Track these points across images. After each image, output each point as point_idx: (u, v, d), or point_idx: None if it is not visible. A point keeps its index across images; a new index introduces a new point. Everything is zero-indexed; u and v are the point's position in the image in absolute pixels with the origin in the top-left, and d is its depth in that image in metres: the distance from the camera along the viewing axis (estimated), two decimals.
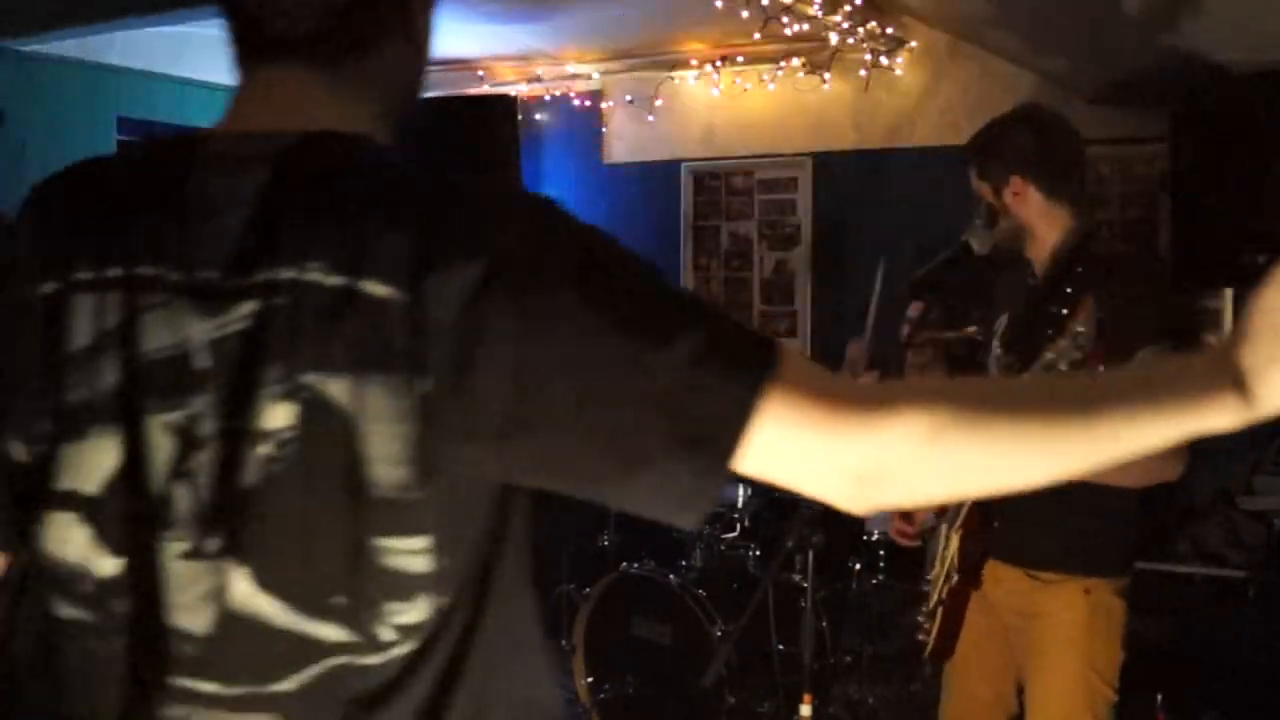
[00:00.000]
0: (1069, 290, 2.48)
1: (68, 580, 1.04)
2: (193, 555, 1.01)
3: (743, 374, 1.01)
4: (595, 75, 5.97)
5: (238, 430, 1.00)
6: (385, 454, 0.98)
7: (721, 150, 5.86)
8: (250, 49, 1.19)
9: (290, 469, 0.99)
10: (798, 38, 5.13)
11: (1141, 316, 2.36)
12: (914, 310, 4.26)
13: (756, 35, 5.04)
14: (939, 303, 3.16)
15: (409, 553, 1.00)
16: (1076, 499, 2.40)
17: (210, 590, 1.01)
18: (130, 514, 1.02)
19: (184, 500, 1.01)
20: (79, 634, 1.05)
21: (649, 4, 5.12)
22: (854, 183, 5.55)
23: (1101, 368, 2.16)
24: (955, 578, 2.52)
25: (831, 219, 5.63)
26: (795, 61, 5.45)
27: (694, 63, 5.68)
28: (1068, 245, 2.53)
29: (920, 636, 2.70)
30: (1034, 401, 1.01)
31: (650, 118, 5.91)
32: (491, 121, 5.92)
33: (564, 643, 4.40)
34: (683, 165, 5.95)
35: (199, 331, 1.02)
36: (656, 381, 0.98)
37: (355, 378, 0.97)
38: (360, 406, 0.97)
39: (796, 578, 3.94)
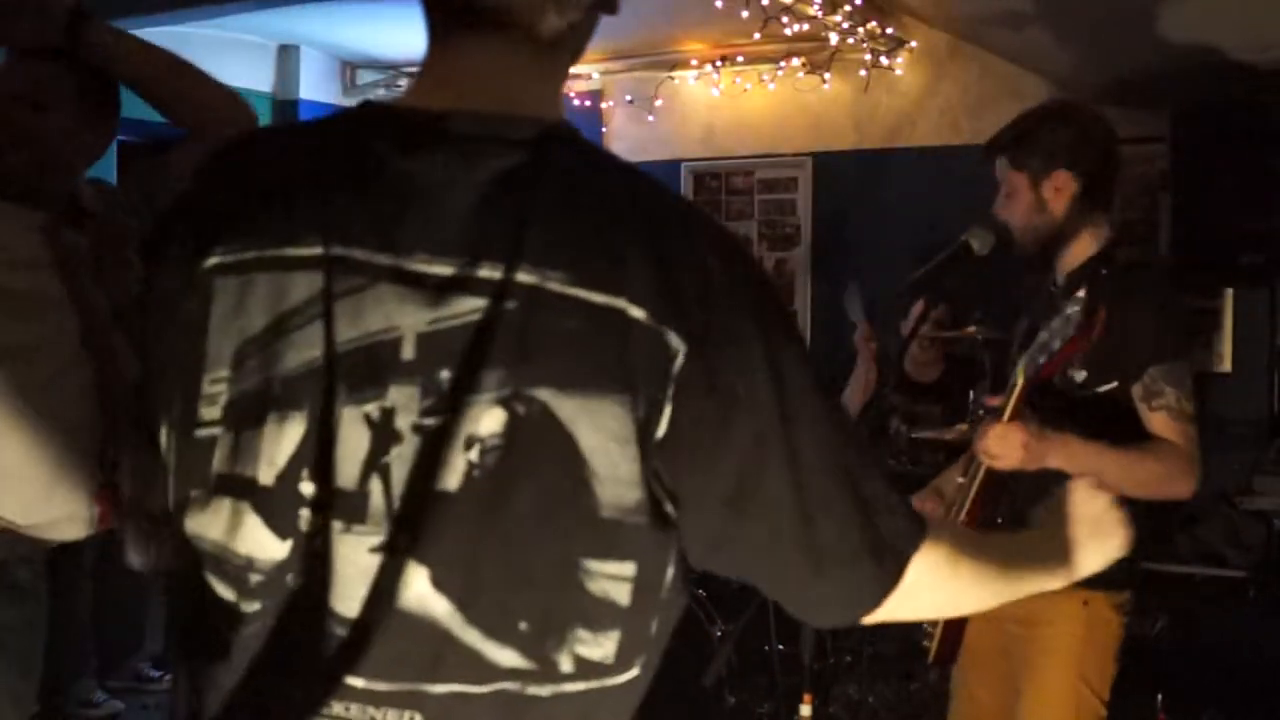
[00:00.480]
0: (1086, 300, 2.47)
1: (230, 566, 1.00)
2: (380, 550, 0.97)
3: (909, 504, 1.11)
4: (595, 75, 5.96)
5: (443, 430, 0.95)
6: (613, 474, 0.95)
7: (721, 150, 5.86)
8: (453, 16, 1.03)
9: (495, 477, 0.95)
10: (798, 38, 5.13)
11: (1153, 336, 2.37)
12: (916, 309, 4.28)
13: (756, 35, 5.04)
14: (939, 302, 3.17)
15: (617, 579, 0.98)
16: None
17: (385, 585, 0.97)
18: (312, 503, 0.97)
19: (377, 494, 0.96)
20: (238, 620, 1.01)
21: (649, 4, 5.12)
22: (854, 183, 5.55)
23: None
24: None
25: (831, 219, 5.63)
26: (795, 61, 5.45)
27: (694, 63, 5.68)
28: (1097, 253, 2.52)
29: (924, 642, 2.67)
30: (995, 553, 1.26)
31: (650, 118, 5.91)
32: None
33: None
34: (683, 165, 5.95)
35: (408, 322, 0.96)
36: (862, 493, 1.04)
37: (589, 396, 0.94)
38: (591, 425, 0.94)
39: None
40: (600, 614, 0.98)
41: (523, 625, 0.97)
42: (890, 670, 3.90)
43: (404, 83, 6.49)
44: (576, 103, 6.07)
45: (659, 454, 0.96)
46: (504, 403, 0.94)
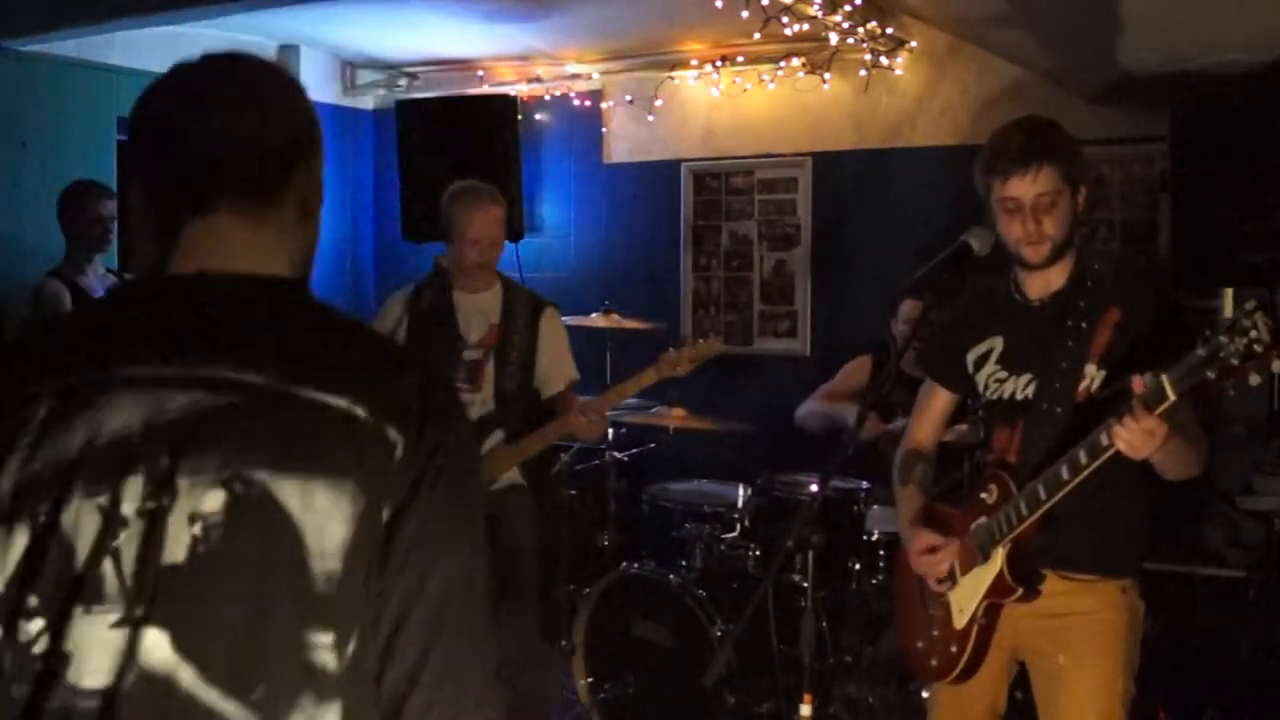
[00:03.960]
0: (1084, 304, 2.48)
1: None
2: (120, 624, 1.08)
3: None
4: (595, 75, 5.96)
5: (164, 510, 1.08)
6: (321, 548, 1.08)
7: (721, 150, 5.86)
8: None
9: (219, 550, 1.07)
10: (798, 38, 5.13)
11: (1163, 329, 2.41)
12: (911, 310, 4.28)
13: (756, 35, 5.04)
14: (938, 302, 3.16)
15: (327, 648, 1.09)
16: (1115, 504, 2.43)
17: (130, 653, 1.08)
18: (51, 594, 1.09)
19: (110, 574, 1.08)
20: (9, 705, 1.10)
21: (649, 4, 5.12)
22: (854, 183, 5.54)
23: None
24: (1001, 593, 2.50)
25: (831, 219, 5.63)
26: (795, 61, 5.45)
27: (694, 63, 5.68)
28: (1079, 265, 2.55)
29: (933, 661, 2.66)
30: None
31: (650, 118, 5.91)
32: (491, 121, 5.91)
33: (564, 643, 4.40)
34: (683, 165, 5.95)
35: (137, 419, 1.11)
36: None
37: (301, 477, 1.08)
38: (303, 503, 1.08)
39: (796, 578, 3.94)
40: (321, 683, 1.09)
41: (255, 691, 1.07)
42: (890, 670, 3.90)
43: (404, 82, 6.50)
44: (576, 103, 6.07)
45: (385, 534, 1.11)
46: (224, 483, 1.08)
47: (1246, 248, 4.13)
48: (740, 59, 5.57)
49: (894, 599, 2.90)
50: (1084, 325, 2.47)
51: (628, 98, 5.98)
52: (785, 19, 4.83)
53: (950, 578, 2.59)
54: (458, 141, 5.88)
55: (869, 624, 4.00)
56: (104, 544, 1.09)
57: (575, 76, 6.02)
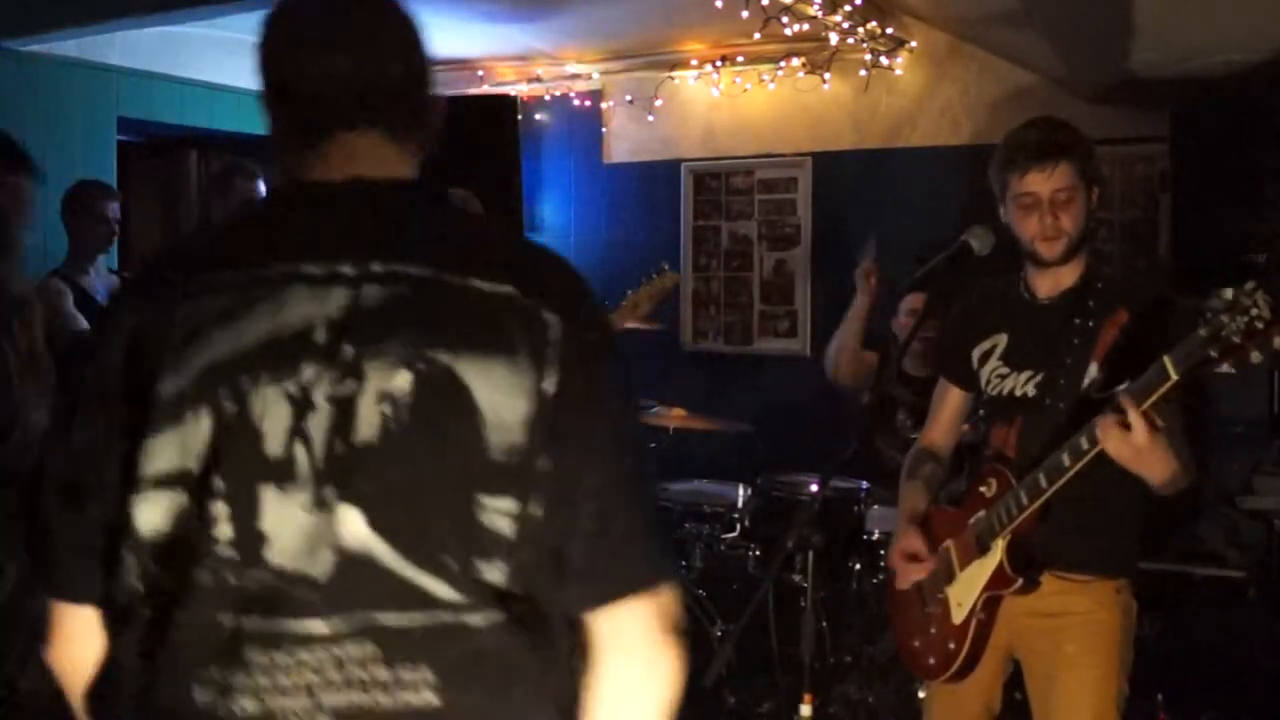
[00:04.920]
0: (1092, 304, 2.49)
1: (161, 551, 1.16)
2: (313, 505, 1.14)
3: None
4: (595, 75, 5.96)
5: (355, 394, 1.15)
6: (500, 421, 1.16)
7: (721, 150, 5.86)
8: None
9: (407, 426, 1.14)
10: (798, 38, 5.13)
11: (1170, 334, 2.40)
12: (912, 303, 4.28)
13: (756, 35, 5.04)
14: (938, 303, 3.16)
15: (504, 514, 1.16)
16: (1111, 504, 2.43)
17: (328, 534, 1.14)
18: (242, 476, 1.15)
19: (302, 457, 1.15)
20: (178, 600, 1.16)
21: (649, 4, 5.12)
22: (854, 183, 5.54)
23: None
24: (1001, 584, 2.50)
25: (831, 219, 5.63)
26: (795, 61, 5.45)
27: (694, 63, 5.68)
28: (1090, 266, 2.56)
29: (930, 659, 2.66)
30: None
31: (650, 118, 5.91)
32: (491, 121, 5.91)
33: None
34: (683, 165, 5.95)
35: (319, 312, 1.17)
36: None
37: (477, 356, 1.16)
38: (483, 380, 1.16)
39: (796, 578, 3.94)
40: (500, 548, 1.16)
41: (441, 558, 1.14)
42: (890, 670, 3.90)
43: None
44: (576, 103, 6.07)
45: (553, 405, 1.18)
46: (408, 364, 1.15)
47: (1246, 248, 4.13)
48: (740, 59, 5.57)
49: (889, 597, 2.90)
50: (1091, 325, 2.47)
51: (628, 98, 5.98)
52: (785, 19, 4.83)
53: (948, 574, 2.60)
54: (458, 141, 5.85)
55: (869, 624, 4.00)
56: (294, 428, 1.14)
57: (575, 76, 6.02)
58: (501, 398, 1.16)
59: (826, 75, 5.42)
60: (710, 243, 5.95)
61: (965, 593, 2.56)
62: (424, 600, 1.14)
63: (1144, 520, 2.57)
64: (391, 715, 1.14)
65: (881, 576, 4.03)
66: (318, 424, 1.14)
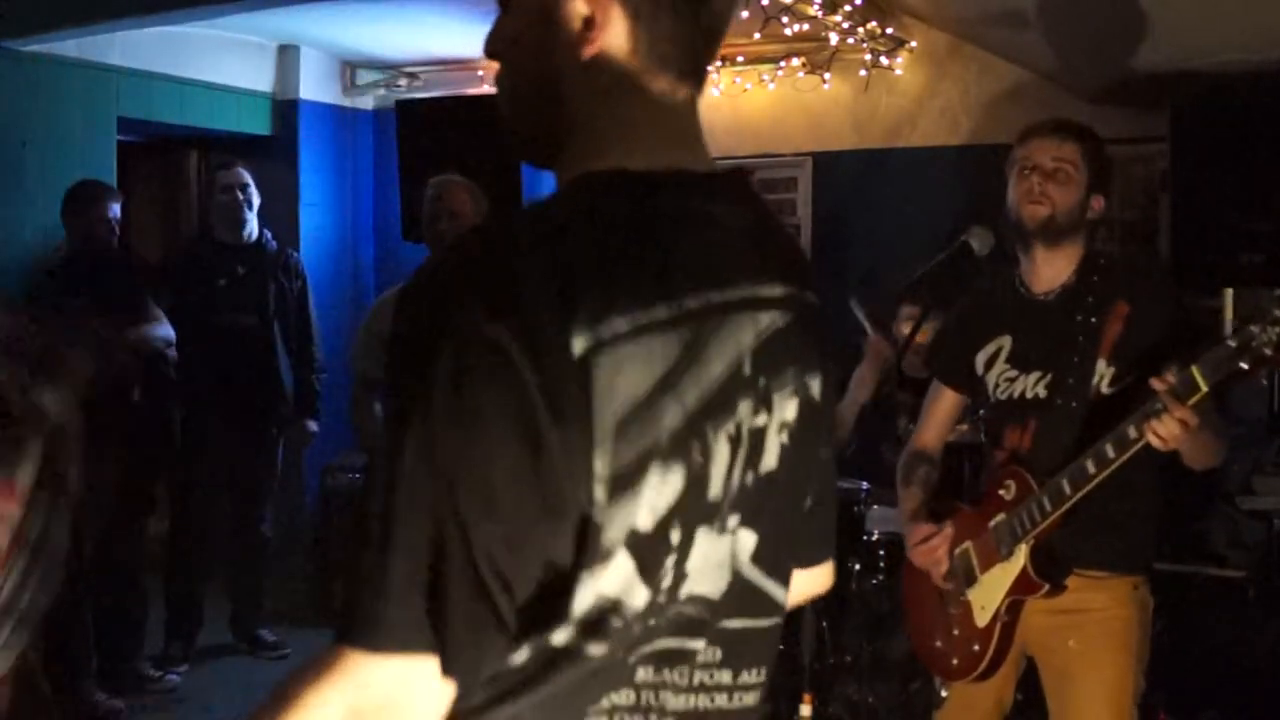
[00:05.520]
0: (1091, 300, 2.49)
1: (597, 615, 1.02)
2: (721, 531, 1.11)
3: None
4: None
5: (766, 425, 1.12)
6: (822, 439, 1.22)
7: (721, 150, 5.85)
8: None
9: (799, 453, 1.16)
10: (798, 38, 5.13)
11: (1172, 321, 2.43)
12: (911, 311, 4.29)
13: (756, 35, 5.04)
14: (938, 303, 3.17)
15: (808, 514, 1.24)
16: (1128, 501, 2.44)
17: (728, 559, 1.11)
18: (690, 525, 1.06)
19: (728, 493, 1.09)
20: (590, 664, 1.03)
21: None
22: (854, 183, 5.55)
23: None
24: (1026, 589, 2.51)
25: (831, 219, 5.64)
26: (795, 61, 5.45)
27: None
28: (1086, 260, 2.56)
29: (954, 661, 2.66)
30: None
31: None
32: (491, 121, 5.87)
33: None
34: None
35: (746, 342, 1.09)
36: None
37: (818, 374, 1.17)
38: (823, 396, 1.18)
39: None
40: (804, 548, 1.26)
41: (790, 565, 1.20)
42: (890, 670, 3.90)
43: (404, 82, 6.50)
44: None
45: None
46: (795, 392, 1.14)
47: (1246, 248, 4.13)
48: (740, 59, 5.57)
49: (904, 600, 2.90)
50: (1093, 320, 2.47)
51: None
52: (785, 19, 4.84)
53: (969, 577, 2.59)
54: (458, 141, 5.87)
55: (869, 624, 4.00)
56: (730, 467, 1.08)
57: None
58: (828, 410, 1.22)
59: (826, 75, 5.42)
60: None
61: (988, 596, 2.56)
62: (772, 607, 1.18)
63: (1156, 519, 2.58)
64: (727, 716, 1.14)
65: (881, 577, 4.03)
66: (739, 458, 1.09)
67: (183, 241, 6.33)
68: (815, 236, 5.67)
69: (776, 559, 1.17)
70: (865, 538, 4.07)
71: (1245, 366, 2.06)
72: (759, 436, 1.10)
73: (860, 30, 5.02)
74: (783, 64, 5.48)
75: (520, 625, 1.01)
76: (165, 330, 4.61)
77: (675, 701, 1.09)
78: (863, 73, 5.34)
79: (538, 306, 0.97)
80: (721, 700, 1.13)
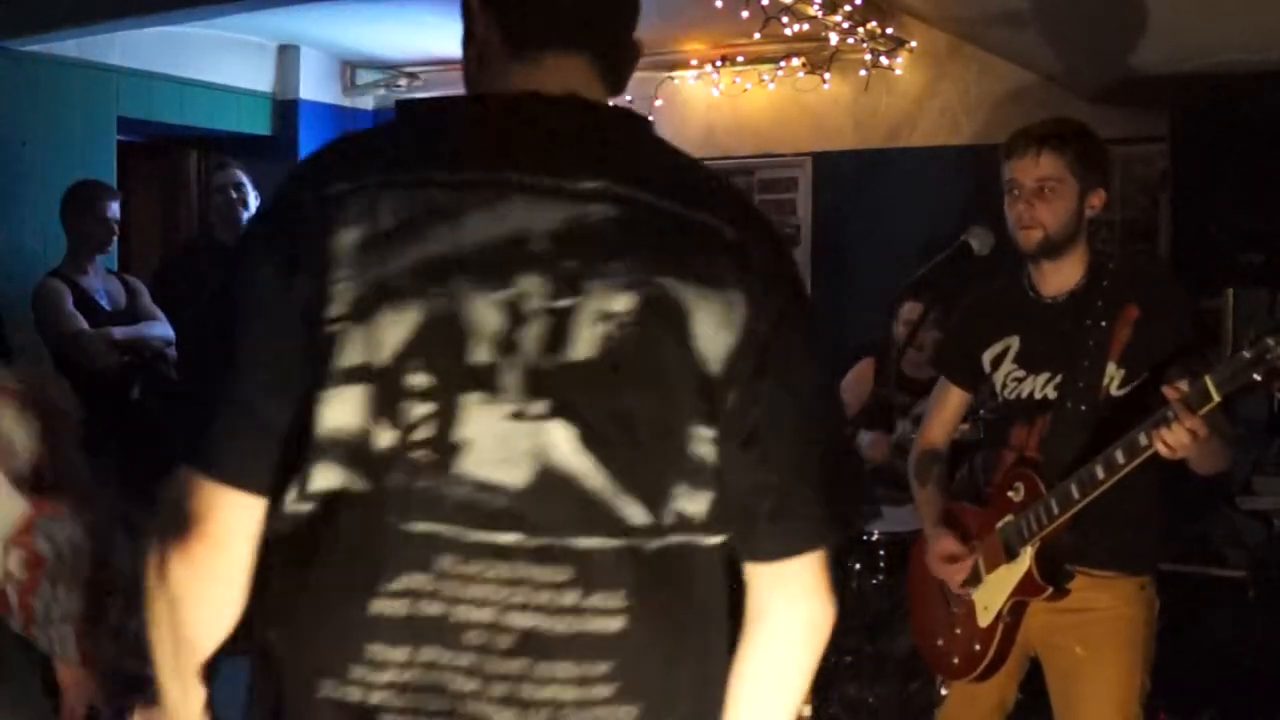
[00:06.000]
0: (1101, 303, 2.49)
1: (349, 452, 1.11)
2: (518, 416, 1.11)
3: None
4: None
5: (572, 309, 1.12)
6: (713, 354, 1.14)
7: (721, 150, 5.85)
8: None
9: (623, 348, 1.12)
10: (798, 38, 5.12)
11: (1180, 325, 2.43)
12: (909, 312, 4.29)
13: (756, 35, 5.04)
14: (938, 303, 3.17)
15: (709, 441, 1.15)
16: (1134, 501, 2.44)
17: (533, 448, 1.11)
18: (445, 380, 1.11)
19: (509, 368, 1.11)
20: (355, 504, 1.12)
21: (649, 4, 5.08)
22: (854, 183, 5.54)
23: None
24: (1030, 592, 2.51)
25: (831, 219, 5.63)
26: (795, 61, 5.45)
27: (694, 63, 5.68)
28: (1093, 263, 2.56)
29: (955, 659, 2.67)
30: None
31: (650, 118, 5.90)
32: None
33: None
34: None
35: (539, 223, 1.13)
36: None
37: (696, 285, 1.14)
38: (700, 308, 1.14)
39: None
40: (700, 474, 1.15)
41: (645, 482, 1.13)
42: (890, 670, 3.90)
43: (404, 83, 6.49)
44: None
45: (761, 344, 1.16)
46: (631, 286, 1.12)
47: (1246, 248, 4.13)
48: (740, 59, 5.56)
49: (909, 596, 2.90)
50: (1103, 323, 2.47)
51: (628, 98, 5.94)
52: (785, 19, 4.83)
53: (974, 577, 2.60)
54: None
55: (869, 624, 4.00)
56: (504, 336, 1.11)
57: None
58: (713, 330, 1.14)
59: (826, 75, 5.42)
60: None
61: (992, 596, 2.56)
62: (621, 526, 1.12)
63: (1161, 519, 2.58)
64: (571, 640, 1.11)
65: (882, 577, 4.02)
66: (529, 335, 1.11)
67: (182, 241, 6.33)
68: (815, 236, 5.66)
69: (633, 474, 1.12)
70: (865, 538, 4.07)
71: (1259, 378, 2.05)
72: (559, 318, 1.12)
73: (860, 30, 5.02)
74: (783, 64, 5.47)
75: (283, 456, 1.13)
76: (164, 330, 4.61)
77: (515, 618, 1.11)
78: (863, 73, 5.33)
79: (326, 166, 1.21)
80: (565, 624, 1.11)
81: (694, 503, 1.15)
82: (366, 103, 6.73)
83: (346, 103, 6.65)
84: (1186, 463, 2.33)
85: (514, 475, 1.10)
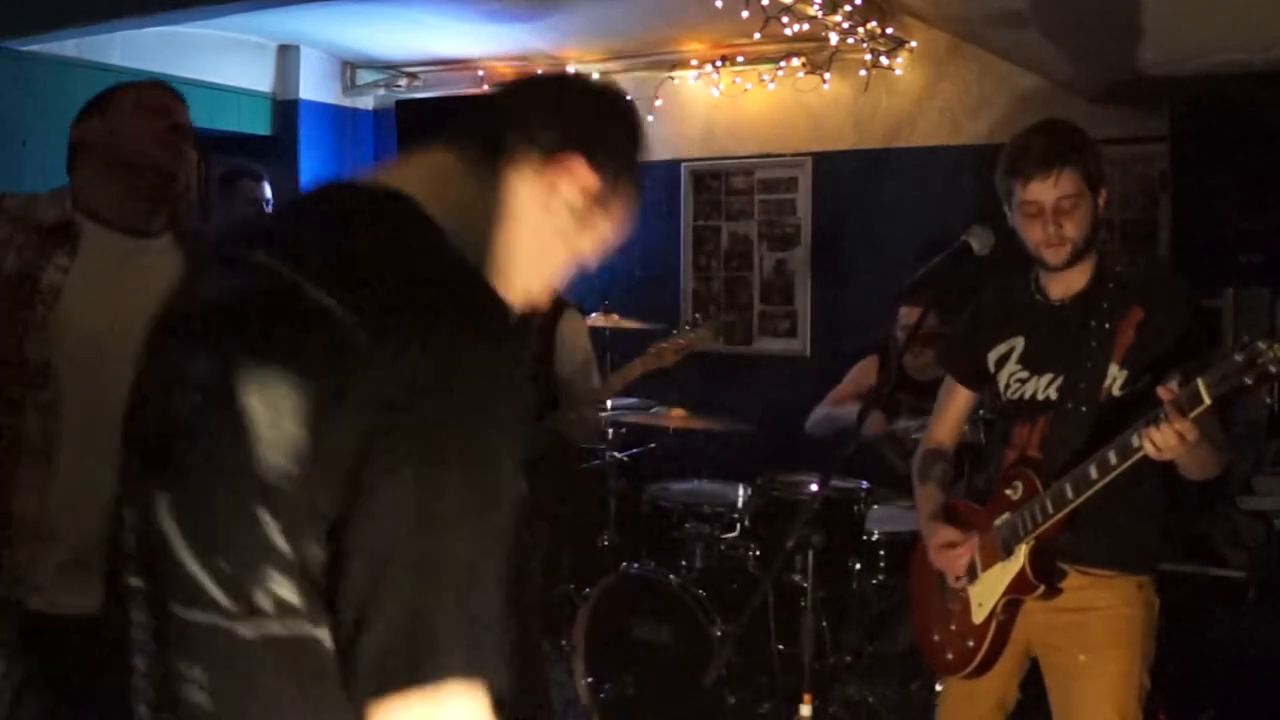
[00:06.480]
0: (1106, 305, 2.49)
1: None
2: (142, 484, 1.17)
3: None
4: (595, 75, 5.94)
5: (184, 378, 1.14)
6: (273, 441, 1.06)
7: (721, 150, 5.86)
8: None
9: (202, 421, 1.11)
10: (798, 38, 5.13)
11: (1184, 328, 2.43)
12: (907, 316, 4.29)
13: (756, 35, 5.04)
14: (937, 304, 3.17)
15: (278, 530, 1.08)
16: (1133, 501, 2.44)
17: (148, 510, 1.15)
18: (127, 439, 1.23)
19: (137, 430, 1.21)
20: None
21: (649, 4, 5.12)
22: (854, 183, 5.55)
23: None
24: (1023, 590, 2.51)
25: (831, 219, 5.64)
26: (795, 61, 5.45)
27: (694, 63, 5.68)
28: (1099, 265, 2.57)
29: (949, 655, 2.67)
30: None
31: (650, 118, 5.91)
32: None
33: (564, 643, 4.40)
34: (683, 165, 5.95)
35: (206, 291, 1.20)
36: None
37: (273, 369, 1.07)
38: (265, 394, 1.07)
39: (796, 578, 3.94)
40: (280, 560, 1.07)
41: (225, 563, 1.09)
42: (890, 670, 3.91)
43: (404, 82, 6.50)
44: None
45: (338, 441, 1.04)
46: (216, 359, 1.11)
47: (1246, 248, 4.13)
48: (740, 59, 5.57)
49: (910, 591, 2.91)
50: (1107, 325, 2.48)
51: (628, 98, 5.97)
52: (785, 19, 4.83)
53: (970, 573, 2.61)
54: None
55: (869, 624, 4.00)
56: (136, 401, 1.22)
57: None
58: (278, 416, 1.05)
59: (826, 75, 5.42)
60: (710, 243, 5.95)
61: (986, 593, 2.58)
62: (205, 599, 1.10)
63: (1160, 519, 2.59)
64: (181, 704, 1.14)
65: (882, 576, 4.03)
66: (151, 401, 1.19)
67: None
68: (815, 236, 5.67)
69: (209, 549, 1.10)
70: (865, 538, 4.08)
71: (1250, 382, 2.05)
72: (171, 385, 1.17)
73: (860, 30, 5.02)
74: (783, 64, 5.48)
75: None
76: None
77: (143, 683, 1.20)
78: (863, 73, 5.34)
79: None
80: (174, 687, 1.15)
81: (286, 589, 1.07)
82: (366, 103, 6.74)
83: (346, 103, 6.65)
84: (1176, 466, 2.34)
85: (132, 538, 1.20)
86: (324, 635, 1.08)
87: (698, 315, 3.63)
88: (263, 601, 1.07)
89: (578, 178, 1.31)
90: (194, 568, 1.10)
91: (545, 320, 3.73)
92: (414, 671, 1.02)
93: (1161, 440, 2.17)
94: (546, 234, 1.32)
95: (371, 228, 1.15)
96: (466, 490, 1.05)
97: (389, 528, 1.02)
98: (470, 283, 1.15)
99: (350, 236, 1.15)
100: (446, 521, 1.04)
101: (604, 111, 1.38)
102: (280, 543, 1.06)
